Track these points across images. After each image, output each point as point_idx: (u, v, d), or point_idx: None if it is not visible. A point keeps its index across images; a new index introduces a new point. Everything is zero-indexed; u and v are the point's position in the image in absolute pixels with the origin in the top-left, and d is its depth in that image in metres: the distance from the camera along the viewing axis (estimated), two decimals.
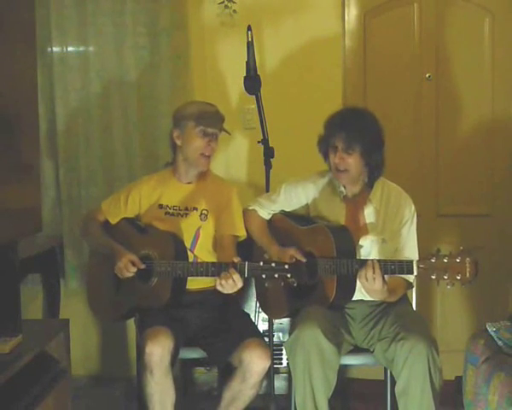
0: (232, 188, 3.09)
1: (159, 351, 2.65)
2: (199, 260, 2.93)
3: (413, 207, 2.89)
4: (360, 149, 2.76)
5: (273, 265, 2.64)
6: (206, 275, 2.77)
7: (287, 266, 2.63)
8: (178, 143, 2.98)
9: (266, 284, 2.70)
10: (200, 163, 2.98)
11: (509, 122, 3.66)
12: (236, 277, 2.67)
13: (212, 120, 2.95)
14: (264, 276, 2.64)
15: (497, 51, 3.65)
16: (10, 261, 2.56)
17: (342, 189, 2.88)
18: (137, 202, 3.04)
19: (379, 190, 2.88)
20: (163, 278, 2.84)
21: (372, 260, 2.64)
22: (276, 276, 2.62)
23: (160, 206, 3.02)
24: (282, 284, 2.71)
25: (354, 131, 2.76)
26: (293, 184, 2.99)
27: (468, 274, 2.48)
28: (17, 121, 2.45)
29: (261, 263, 2.66)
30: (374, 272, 2.60)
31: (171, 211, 3.00)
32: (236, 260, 2.71)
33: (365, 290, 2.69)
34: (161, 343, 2.67)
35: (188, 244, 2.96)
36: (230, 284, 2.68)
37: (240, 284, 2.69)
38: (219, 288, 2.71)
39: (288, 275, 2.62)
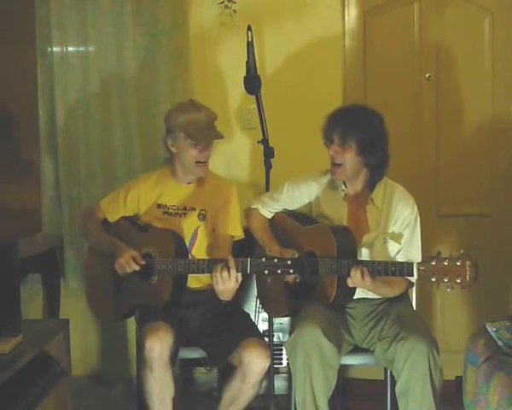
0: (231, 187, 3.07)
1: (158, 346, 2.65)
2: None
3: (416, 209, 2.86)
4: (356, 146, 2.76)
5: (275, 261, 2.63)
6: (208, 272, 2.75)
7: (289, 262, 2.62)
8: (173, 150, 2.97)
9: (268, 280, 2.69)
10: (196, 171, 2.97)
11: (509, 122, 3.66)
12: (233, 271, 2.65)
13: (201, 133, 2.91)
14: (266, 272, 2.63)
15: (497, 51, 3.64)
16: (10, 261, 2.56)
17: (344, 187, 2.88)
18: (136, 200, 3.04)
19: (381, 189, 2.88)
20: (164, 276, 2.84)
21: (359, 267, 2.63)
22: (279, 271, 2.61)
23: (159, 205, 3.01)
24: (285, 280, 2.68)
25: (350, 126, 2.76)
26: (296, 183, 2.99)
27: (468, 278, 2.47)
28: (17, 121, 2.45)
29: (263, 259, 2.65)
30: (362, 278, 2.61)
31: (169, 211, 3.00)
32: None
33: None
34: (161, 339, 2.66)
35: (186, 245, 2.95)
36: (224, 277, 2.66)
37: (232, 283, 2.66)
38: (215, 285, 2.69)
39: (291, 271, 2.61)
